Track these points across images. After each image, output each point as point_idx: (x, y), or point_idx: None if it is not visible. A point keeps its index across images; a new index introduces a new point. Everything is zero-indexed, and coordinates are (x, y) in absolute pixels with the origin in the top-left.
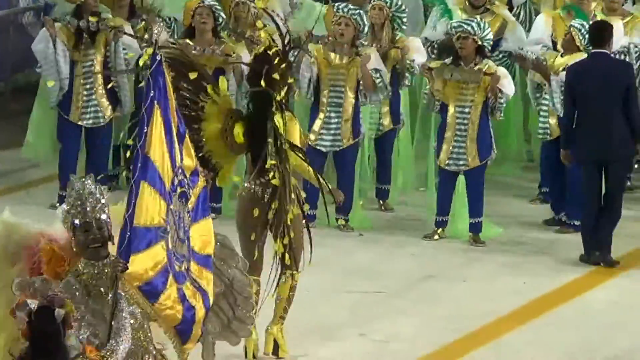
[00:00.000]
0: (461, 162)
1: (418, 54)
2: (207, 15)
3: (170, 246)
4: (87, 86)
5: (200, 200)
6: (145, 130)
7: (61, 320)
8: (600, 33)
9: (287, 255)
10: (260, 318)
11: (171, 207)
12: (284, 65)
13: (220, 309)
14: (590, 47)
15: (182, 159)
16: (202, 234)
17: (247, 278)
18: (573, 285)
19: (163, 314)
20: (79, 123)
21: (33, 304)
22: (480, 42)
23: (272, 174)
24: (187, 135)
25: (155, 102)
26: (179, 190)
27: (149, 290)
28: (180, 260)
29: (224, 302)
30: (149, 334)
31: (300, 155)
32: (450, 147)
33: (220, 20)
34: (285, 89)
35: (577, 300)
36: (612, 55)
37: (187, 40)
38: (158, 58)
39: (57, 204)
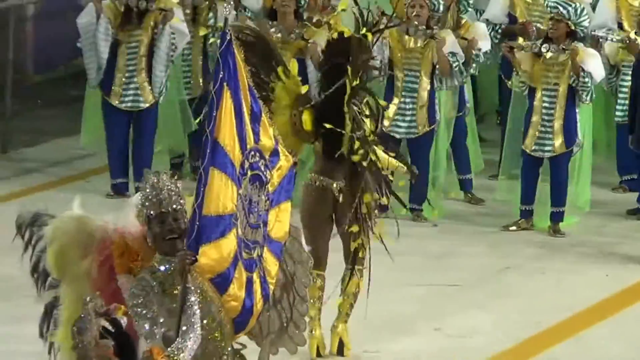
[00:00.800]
0: (547, 148)
1: (484, 42)
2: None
3: (240, 233)
4: (130, 68)
5: (285, 182)
6: (214, 114)
7: (127, 325)
8: None
9: (360, 251)
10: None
11: (240, 191)
12: (365, 53)
13: (282, 308)
14: None
15: (258, 140)
16: (279, 219)
17: (308, 278)
18: None
19: (227, 306)
20: (118, 105)
21: (96, 325)
22: (573, 27)
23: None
24: (264, 115)
25: (225, 83)
26: (249, 173)
27: (220, 282)
28: (251, 248)
29: (285, 300)
30: (226, 333)
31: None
32: (537, 132)
33: (303, 2)
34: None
35: None
36: None
37: (266, 20)
38: (227, 37)
39: (112, 193)
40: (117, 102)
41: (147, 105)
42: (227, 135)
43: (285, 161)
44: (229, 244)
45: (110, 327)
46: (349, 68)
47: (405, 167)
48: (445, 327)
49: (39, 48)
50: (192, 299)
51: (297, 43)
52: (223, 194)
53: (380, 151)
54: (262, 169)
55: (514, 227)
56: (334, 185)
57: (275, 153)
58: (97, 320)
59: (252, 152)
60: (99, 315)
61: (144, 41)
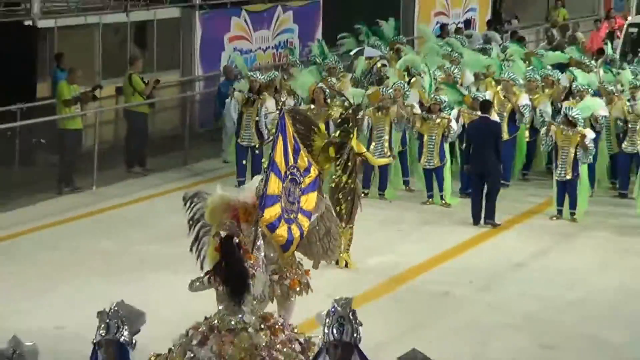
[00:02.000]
0: None
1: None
2: (320, 92)
3: (283, 205)
4: (247, 124)
5: (312, 182)
6: (274, 146)
7: (237, 244)
8: None
9: (351, 214)
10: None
11: (283, 185)
12: (355, 121)
13: (324, 243)
14: None
15: (295, 161)
16: (307, 200)
17: (337, 230)
18: None
19: (276, 239)
20: (242, 143)
21: (223, 233)
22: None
23: (343, 169)
24: (302, 150)
25: (280, 132)
26: (289, 177)
27: (271, 227)
28: (290, 213)
29: (325, 239)
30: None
31: (368, 156)
32: None
33: (327, 94)
34: (355, 131)
35: None
36: None
37: (310, 105)
38: (282, 112)
39: (237, 185)
40: (241, 141)
41: (254, 143)
42: (277, 156)
43: (313, 172)
44: (275, 209)
45: (226, 238)
46: (350, 130)
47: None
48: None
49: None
50: (261, 244)
51: (324, 114)
52: (274, 185)
53: (368, 155)
54: (297, 176)
55: None
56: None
57: (306, 169)
58: (228, 230)
59: (292, 167)
60: (228, 231)
61: (253, 113)
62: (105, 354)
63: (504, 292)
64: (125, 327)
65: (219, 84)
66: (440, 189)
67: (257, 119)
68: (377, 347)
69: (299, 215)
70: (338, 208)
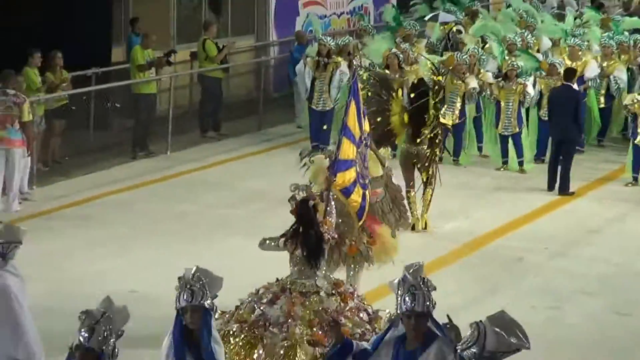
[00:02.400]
0: None
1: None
2: (394, 58)
3: (358, 170)
4: (320, 88)
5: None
6: (347, 111)
7: (312, 206)
8: None
9: (430, 181)
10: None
11: (359, 150)
12: (438, 85)
13: (395, 213)
14: None
15: (363, 126)
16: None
17: (402, 196)
18: None
19: (352, 205)
20: (316, 108)
21: (299, 196)
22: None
23: (424, 139)
24: (366, 116)
25: (352, 97)
26: (364, 142)
27: (345, 191)
28: (365, 178)
29: (394, 206)
30: (351, 220)
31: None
32: None
33: (401, 59)
34: (439, 95)
35: None
36: None
37: (386, 70)
38: (355, 76)
39: (311, 149)
40: (315, 106)
41: (328, 108)
42: (350, 120)
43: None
44: (350, 174)
45: (302, 201)
46: (431, 92)
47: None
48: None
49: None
50: (331, 195)
51: (399, 81)
52: (347, 150)
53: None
54: (369, 141)
55: None
56: (413, 149)
57: (369, 134)
58: (306, 193)
59: (365, 132)
60: (305, 194)
61: (327, 77)
62: (191, 319)
63: (579, 258)
64: (208, 293)
65: (291, 49)
66: (519, 155)
67: (330, 83)
68: (451, 311)
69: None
70: (421, 174)
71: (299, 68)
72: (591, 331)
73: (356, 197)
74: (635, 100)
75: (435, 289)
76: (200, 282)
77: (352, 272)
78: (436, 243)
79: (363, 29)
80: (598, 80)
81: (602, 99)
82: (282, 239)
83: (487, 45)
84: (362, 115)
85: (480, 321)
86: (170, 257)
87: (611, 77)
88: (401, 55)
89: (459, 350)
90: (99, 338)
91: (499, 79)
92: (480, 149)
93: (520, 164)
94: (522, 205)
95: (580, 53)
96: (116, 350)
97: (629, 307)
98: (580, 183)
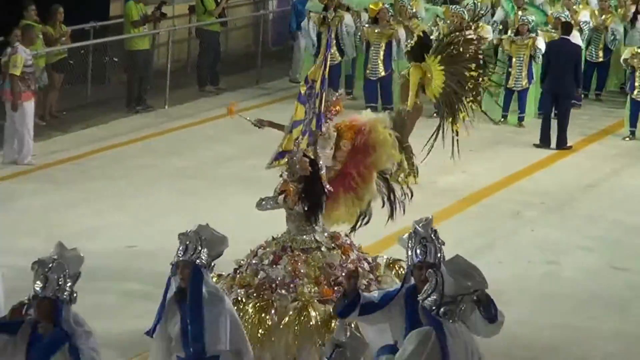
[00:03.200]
0: None
1: None
2: (385, 12)
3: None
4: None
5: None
6: (325, 65)
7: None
8: None
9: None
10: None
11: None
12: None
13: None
14: None
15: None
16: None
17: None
18: None
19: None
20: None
21: (298, 154)
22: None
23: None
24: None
25: (328, 50)
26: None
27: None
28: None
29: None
30: None
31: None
32: None
33: (393, 12)
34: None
35: None
36: None
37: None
38: (329, 39)
39: None
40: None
41: (336, 61)
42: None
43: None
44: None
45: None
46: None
47: None
48: None
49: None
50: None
51: (388, 32)
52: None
53: None
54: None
55: None
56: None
57: (314, 80)
58: (301, 152)
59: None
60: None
61: (333, 30)
62: (181, 274)
63: (576, 213)
64: (205, 250)
65: (293, 1)
66: (521, 111)
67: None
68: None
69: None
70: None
71: (304, 24)
72: (588, 285)
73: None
74: (634, 53)
75: (444, 243)
76: (197, 239)
77: None
78: (433, 198)
79: None
80: (591, 24)
81: (600, 53)
82: (282, 196)
83: None
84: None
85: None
86: (168, 212)
87: (609, 28)
88: (391, 10)
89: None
90: (53, 286)
91: (510, 35)
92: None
93: (521, 119)
94: (519, 160)
95: (575, 6)
96: (74, 294)
97: (625, 262)
98: (578, 137)
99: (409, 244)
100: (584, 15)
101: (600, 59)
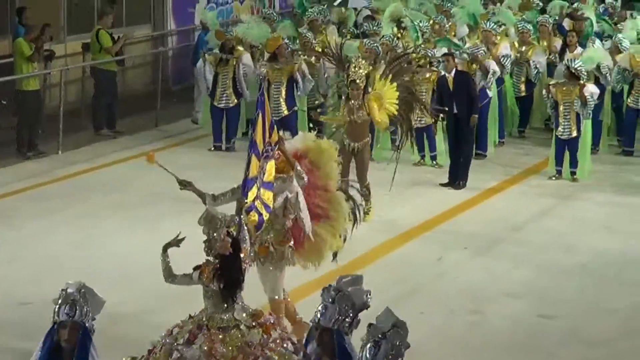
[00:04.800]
0: None
1: None
2: (283, 48)
3: (258, 184)
4: (223, 85)
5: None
6: (254, 127)
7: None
8: None
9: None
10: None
11: (260, 164)
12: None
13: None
14: None
15: (270, 136)
16: (270, 170)
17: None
18: None
19: (250, 222)
20: (219, 105)
21: (222, 230)
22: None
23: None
24: (275, 126)
25: (260, 111)
26: (264, 155)
27: (249, 209)
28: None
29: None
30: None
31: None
32: None
33: (290, 49)
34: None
35: None
36: None
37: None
38: (262, 90)
39: (212, 149)
40: (217, 103)
41: (232, 104)
42: (257, 136)
43: (277, 150)
44: (253, 192)
45: (231, 233)
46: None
47: None
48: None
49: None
50: (243, 221)
51: (288, 68)
52: (254, 167)
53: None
54: (269, 151)
55: None
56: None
57: (276, 144)
58: (225, 227)
59: (267, 143)
60: (227, 226)
61: (230, 72)
62: (68, 336)
63: (500, 258)
64: (90, 313)
65: (199, 34)
66: (432, 149)
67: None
68: (368, 316)
69: (263, 189)
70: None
71: (199, 65)
72: (514, 334)
73: (254, 214)
74: (553, 84)
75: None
76: (86, 299)
77: (269, 273)
78: (350, 244)
79: (265, 16)
80: (511, 57)
81: (522, 87)
82: (197, 272)
83: (404, 31)
84: (266, 127)
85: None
86: (61, 266)
87: (530, 61)
88: (291, 45)
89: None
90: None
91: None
92: (393, 140)
93: (433, 158)
94: (440, 201)
95: (494, 38)
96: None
97: (552, 309)
98: (502, 177)
99: (323, 299)
100: (505, 48)
101: (523, 93)
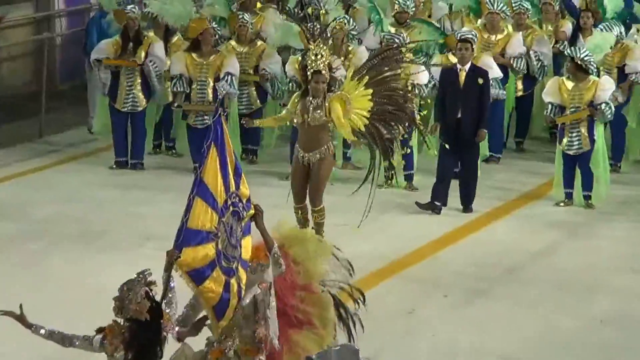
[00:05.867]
0: None
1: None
2: (209, 34)
3: (220, 247)
4: (129, 83)
5: (249, 223)
6: (203, 161)
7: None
8: None
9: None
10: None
11: (223, 219)
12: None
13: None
14: None
15: (237, 188)
16: (246, 246)
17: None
18: None
19: (205, 295)
20: (122, 109)
21: (139, 290)
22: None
23: None
24: (243, 173)
25: (213, 142)
26: (231, 209)
27: (195, 275)
28: (231, 260)
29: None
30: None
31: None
32: None
33: (218, 37)
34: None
35: None
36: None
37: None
38: (220, 111)
39: (114, 167)
40: (120, 107)
41: (140, 108)
42: (210, 176)
43: (252, 210)
44: (204, 250)
45: (151, 294)
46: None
47: None
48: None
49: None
50: (172, 285)
51: (216, 62)
52: (203, 216)
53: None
54: (240, 208)
55: None
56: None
57: (249, 200)
58: (144, 285)
59: (234, 195)
60: (147, 284)
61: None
62: None
63: (491, 310)
64: None
65: (92, 17)
66: (409, 167)
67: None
68: None
69: (240, 267)
70: None
71: (94, 58)
72: None
73: (214, 285)
74: (560, 83)
75: None
76: None
77: None
78: None
79: None
80: (523, 60)
81: (519, 84)
82: (99, 336)
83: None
84: (228, 170)
85: None
86: None
87: (531, 52)
88: (218, 32)
89: None
90: None
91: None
92: (348, 159)
93: (409, 178)
94: (414, 234)
95: (502, 24)
96: None
97: None
98: (494, 202)
99: None
100: (518, 42)
101: (520, 93)
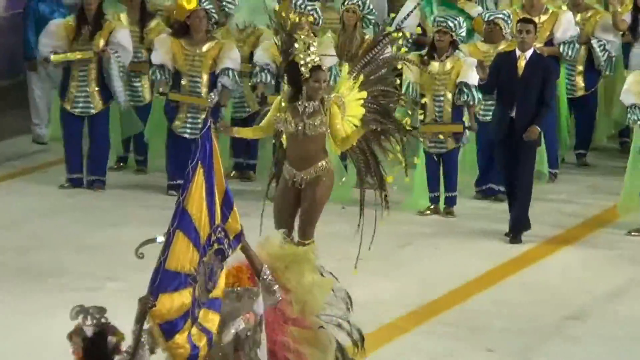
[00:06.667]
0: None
1: None
2: (201, 18)
3: (196, 294)
4: (81, 78)
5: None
6: (187, 186)
7: (112, 347)
8: None
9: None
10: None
11: (204, 259)
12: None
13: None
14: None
15: (225, 221)
16: (220, 283)
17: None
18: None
19: (174, 352)
20: (73, 111)
21: (89, 330)
22: (455, 37)
23: None
24: (233, 203)
25: (200, 162)
26: (215, 246)
27: (168, 328)
28: (200, 307)
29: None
30: None
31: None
32: None
33: (213, 21)
34: None
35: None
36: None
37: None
38: (208, 124)
39: (66, 185)
40: (69, 107)
41: (98, 111)
42: (194, 206)
43: (240, 247)
44: (181, 298)
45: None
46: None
47: None
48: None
49: None
50: (143, 340)
51: (211, 53)
52: (183, 256)
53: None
54: (225, 245)
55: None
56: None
57: (237, 237)
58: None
59: (219, 229)
60: (96, 325)
61: (94, 57)
62: None
63: None
64: None
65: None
66: (451, 187)
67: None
68: None
69: (203, 311)
70: None
71: (42, 47)
72: None
73: (181, 339)
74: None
75: None
76: None
77: None
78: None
79: None
80: (577, 47)
81: (578, 81)
82: None
83: None
84: (215, 198)
85: None
86: None
87: (593, 40)
88: (213, 13)
89: None
90: None
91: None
92: None
93: (450, 202)
94: (450, 270)
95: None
96: None
97: None
98: (549, 231)
99: None
100: (567, 28)
101: (580, 92)
